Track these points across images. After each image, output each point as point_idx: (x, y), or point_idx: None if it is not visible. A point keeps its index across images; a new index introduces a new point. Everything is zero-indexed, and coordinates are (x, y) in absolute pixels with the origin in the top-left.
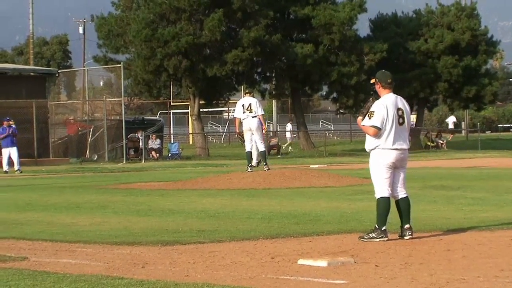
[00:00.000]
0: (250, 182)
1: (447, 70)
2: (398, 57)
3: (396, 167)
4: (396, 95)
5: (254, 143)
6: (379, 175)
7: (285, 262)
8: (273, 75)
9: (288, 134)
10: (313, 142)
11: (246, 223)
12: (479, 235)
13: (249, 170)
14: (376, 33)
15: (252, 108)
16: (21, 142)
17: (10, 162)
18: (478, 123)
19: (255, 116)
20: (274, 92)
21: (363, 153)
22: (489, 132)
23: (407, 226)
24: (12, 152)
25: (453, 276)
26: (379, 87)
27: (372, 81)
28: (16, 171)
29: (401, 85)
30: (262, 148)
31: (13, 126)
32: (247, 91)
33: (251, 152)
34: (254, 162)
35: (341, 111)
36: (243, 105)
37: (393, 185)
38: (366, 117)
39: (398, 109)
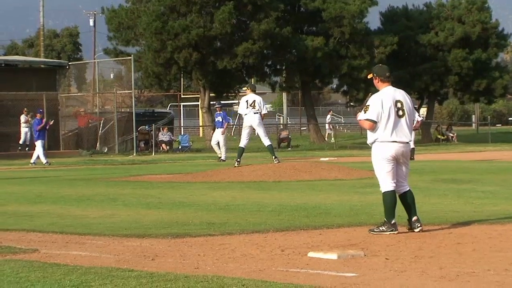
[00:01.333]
0: (260, 175)
1: (457, 63)
2: (408, 50)
3: (398, 161)
4: (395, 88)
5: (248, 140)
6: (381, 169)
7: (295, 255)
8: (284, 68)
9: (327, 126)
10: (323, 135)
11: (256, 216)
12: (489, 229)
13: (236, 165)
14: (386, 26)
15: (255, 105)
16: (31, 134)
17: (44, 154)
18: (489, 116)
19: (257, 113)
20: (284, 85)
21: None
22: (500, 125)
23: (414, 218)
24: (40, 144)
25: (463, 269)
26: (378, 82)
27: (369, 76)
28: (31, 163)
29: (412, 78)
30: (267, 142)
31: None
32: (250, 88)
33: (243, 148)
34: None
35: (351, 104)
36: (247, 101)
37: (395, 178)
38: (362, 111)
39: (397, 101)
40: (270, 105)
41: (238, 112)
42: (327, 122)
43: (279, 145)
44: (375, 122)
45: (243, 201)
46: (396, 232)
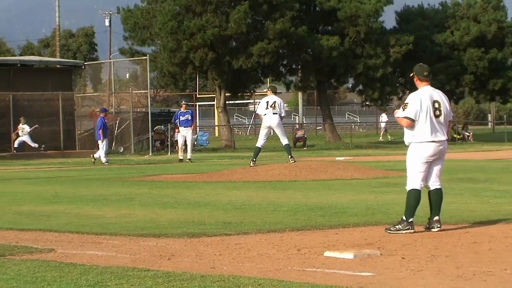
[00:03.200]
0: (276, 175)
1: (473, 63)
2: (424, 50)
3: (435, 159)
4: (433, 88)
5: (265, 141)
6: (414, 169)
7: (311, 254)
8: (299, 67)
9: (383, 125)
10: (339, 134)
11: (272, 215)
12: (505, 228)
13: (252, 164)
14: (402, 25)
15: (275, 106)
16: (47, 134)
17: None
18: (505, 115)
19: (276, 113)
20: (299, 85)
21: (389, 145)
22: None
23: (436, 218)
24: (104, 143)
25: (480, 268)
26: (416, 80)
27: (411, 74)
28: (105, 162)
29: None
30: (285, 142)
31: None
32: (271, 89)
33: (260, 148)
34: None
35: (367, 103)
36: (267, 102)
37: (427, 175)
38: (401, 108)
39: (434, 101)
40: (286, 104)
41: (257, 112)
42: (382, 121)
43: (294, 144)
44: (413, 121)
45: (259, 201)
46: (412, 231)
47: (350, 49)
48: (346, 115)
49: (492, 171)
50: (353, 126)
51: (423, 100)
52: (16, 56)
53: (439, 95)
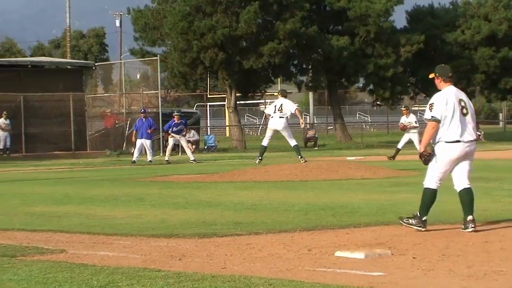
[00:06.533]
0: (287, 175)
1: (484, 62)
2: (434, 49)
3: (462, 159)
4: (456, 88)
5: (269, 140)
6: (436, 168)
7: (322, 254)
8: (310, 67)
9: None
10: (350, 134)
11: (283, 215)
12: None
13: (257, 162)
14: (412, 24)
15: (283, 108)
16: (58, 135)
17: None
18: None
19: (282, 117)
20: (310, 84)
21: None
22: None
23: (469, 218)
24: (146, 143)
25: (491, 268)
26: (440, 81)
27: (431, 76)
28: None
29: None
30: (293, 143)
31: (150, 119)
32: (280, 93)
33: (265, 147)
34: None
35: (377, 103)
36: (275, 106)
37: (456, 175)
38: (427, 109)
39: (460, 100)
40: (296, 104)
41: (265, 112)
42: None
43: (305, 144)
44: (438, 121)
45: (269, 201)
46: (423, 229)
47: (361, 49)
48: (357, 115)
49: (503, 170)
50: (364, 126)
51: (449, 99)
52: (27, 57)
53: (464, 95)
